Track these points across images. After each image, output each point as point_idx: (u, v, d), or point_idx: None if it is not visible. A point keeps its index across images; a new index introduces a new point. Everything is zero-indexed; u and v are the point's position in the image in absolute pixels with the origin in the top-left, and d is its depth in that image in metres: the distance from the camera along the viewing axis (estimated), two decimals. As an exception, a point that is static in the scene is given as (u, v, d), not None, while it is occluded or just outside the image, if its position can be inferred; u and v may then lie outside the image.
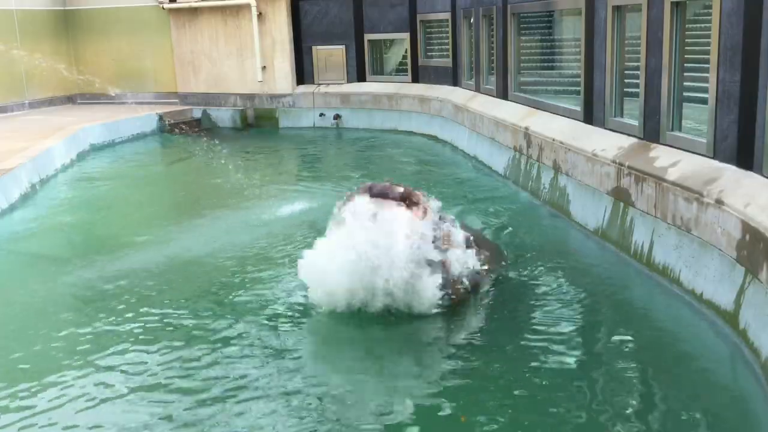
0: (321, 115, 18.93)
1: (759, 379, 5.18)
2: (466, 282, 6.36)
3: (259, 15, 18.81)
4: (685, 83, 7.54)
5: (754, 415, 4.88)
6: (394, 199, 6.03)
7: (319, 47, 19.00)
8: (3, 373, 5.68)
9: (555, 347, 5.83)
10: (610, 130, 9.00)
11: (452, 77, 16.53)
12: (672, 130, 7.66)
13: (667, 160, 7.38)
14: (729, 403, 5.06)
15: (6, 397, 5.29)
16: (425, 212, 6.10)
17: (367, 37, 18.59)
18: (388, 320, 6.23)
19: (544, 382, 5.29)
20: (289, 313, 6.61)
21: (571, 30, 11.14)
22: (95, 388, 5.37)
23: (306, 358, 5.85)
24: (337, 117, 18.74)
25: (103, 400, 5.22)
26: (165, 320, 6.62)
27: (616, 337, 6.09)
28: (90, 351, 6.02)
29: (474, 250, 6.55)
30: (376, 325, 6.22)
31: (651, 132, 7.99)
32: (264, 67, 19.17)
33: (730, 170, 6.49)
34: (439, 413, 4.96)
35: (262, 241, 8.98)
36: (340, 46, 18.81)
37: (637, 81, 8.28)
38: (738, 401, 5.10)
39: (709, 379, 5.38)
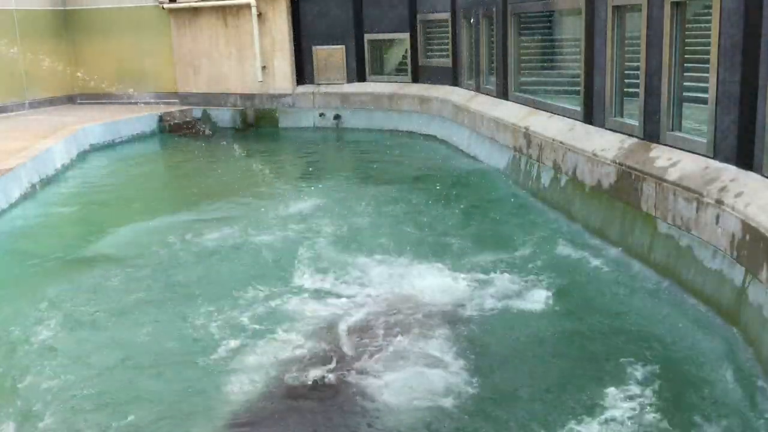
0: (321, 115, 18.93)
1: (759, 377, 5.20)
2: None
3: (259, 15, 18.82)
4: (685, 83, 7.55)
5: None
6: None
7: (319, 47, 19.00)
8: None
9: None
10: (610, 130, 9.01)
11: (452, 77, 16.53)
12: (672, 130, 7.67)
13: (667, 160, 7.39)
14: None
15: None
16: None
17: (367, 37, 18.59)
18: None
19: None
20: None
21: (571, 30, 11.15)
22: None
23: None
24: (337, 117, 18.74)
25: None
26: (163, 317, 6.66)
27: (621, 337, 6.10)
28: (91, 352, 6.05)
29: None
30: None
31: (651, 132, 8.00)
32: (264, 67, 19.17)
33: (730, 170, 6.50)
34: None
35: (261, 241, 9.00)
36: (340, 46, 18.81)
37: (637, 81, 8.28)
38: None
39: (709, 378, 5.39)
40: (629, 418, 4.81)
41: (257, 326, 6.34)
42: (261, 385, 5.39)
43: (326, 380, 5.36)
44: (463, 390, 5.20)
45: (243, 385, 5.37)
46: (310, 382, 5.35)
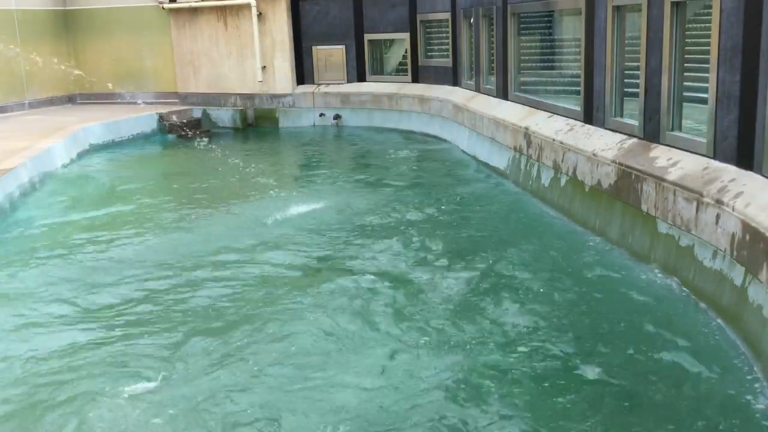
0: (321, 115, 18.94)
1: (757, 377, 5.21)
2: None
3: (259, 15, 18.82)
4: (685, 83, 7.55)
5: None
6: None
7: (319, 47, 19.01)
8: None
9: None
10: (610, 130, 9.01)
11: (452, 77, 16.54)
12: (672, 130, 7.67)
13: (667, 160, 7.40)
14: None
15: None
16: None
17: (367, 37, 18.60)
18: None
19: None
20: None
21: (571, 30, 11.15)
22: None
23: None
24: (337, 117, 18.75)
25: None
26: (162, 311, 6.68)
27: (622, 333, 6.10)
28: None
29: None
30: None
31: (651, 132, 8.01)
32: (264, 67, 19.18)
33: (730, 170, 6.50)
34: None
35: (261, 239, 9.01)
36: (340, 46, 18.82)
37: (637, 81, 8.29)
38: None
39: (708, 377, 5.39)
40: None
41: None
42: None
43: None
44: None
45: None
46: None
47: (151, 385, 5.44)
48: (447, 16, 16.49)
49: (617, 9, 8.82)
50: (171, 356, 5.90)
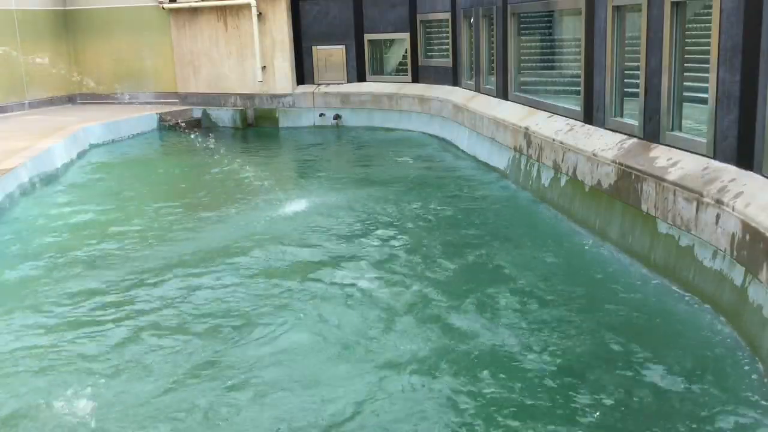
0: (321, 115, 18.94)
1: (759, 379, 5.21)
2: None
3: (259, 15, 18.83)
4: (685, 83, 7.55)
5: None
6: None
7: (319, 47, 19.02)
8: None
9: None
10: (610, 130, 9.01)
11: (452, 77, 16.54)
12: (672, 130, 7.67)
13: (667, 160, 7.40)
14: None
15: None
16: None
17: (367, 37, 18.61)
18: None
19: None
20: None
21: (571, 30, 11.15)
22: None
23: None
24: (337, 117, 18.76)
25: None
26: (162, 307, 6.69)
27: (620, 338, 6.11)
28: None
29: None
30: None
31: (651, 132, 8.01)
32: (264, 67, 19.18)
33: (730, 170, 6.50)
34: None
35: (259, 240, 9.01)
36: (340, 46, 18.82)
37: (637, 81, 8.29)
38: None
39: (709, 376, 5.39)
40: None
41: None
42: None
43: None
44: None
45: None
46: None
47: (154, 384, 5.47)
48: (447, 16, 16.49)
49: (617, 9, 8.82)
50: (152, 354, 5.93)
